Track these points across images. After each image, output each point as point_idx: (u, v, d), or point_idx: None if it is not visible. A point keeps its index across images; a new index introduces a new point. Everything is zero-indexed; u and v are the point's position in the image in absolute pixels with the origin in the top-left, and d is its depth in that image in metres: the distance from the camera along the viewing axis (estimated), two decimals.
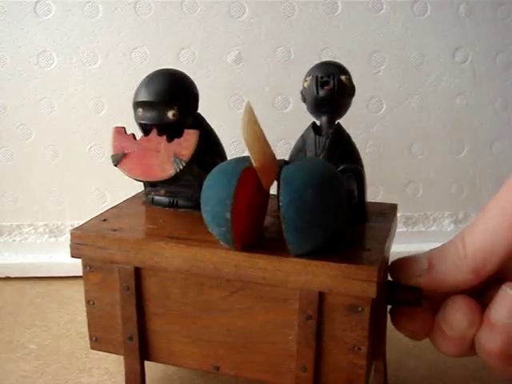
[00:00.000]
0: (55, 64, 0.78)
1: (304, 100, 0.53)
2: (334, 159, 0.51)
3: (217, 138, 0.57)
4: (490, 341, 0.42)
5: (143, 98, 0.51)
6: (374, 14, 0.79)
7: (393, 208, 0.57)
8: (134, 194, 0.61)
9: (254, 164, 0.42)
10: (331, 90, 0.50)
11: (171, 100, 0.51)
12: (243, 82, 0.80)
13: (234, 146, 0.81)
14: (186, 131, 0.51)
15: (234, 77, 0.80)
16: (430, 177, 0.86)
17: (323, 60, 0.54)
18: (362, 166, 0.52)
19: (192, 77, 0.77)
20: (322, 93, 0.50)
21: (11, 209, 0.82)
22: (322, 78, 0.50)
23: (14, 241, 0.83)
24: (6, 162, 0.81)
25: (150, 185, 0.56)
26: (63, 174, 0.81)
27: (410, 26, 0.80)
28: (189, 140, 0.51)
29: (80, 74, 0.78)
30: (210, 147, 0.55)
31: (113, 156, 0.53)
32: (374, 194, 0.84)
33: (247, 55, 0.79)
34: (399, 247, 0.78)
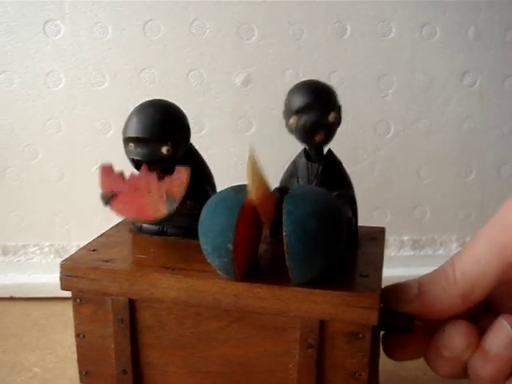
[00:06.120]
0: (63, 84, 0.78)
1: (291, 132, 0.51)
2: (326, 185, 0.50)
3: (206, 164, 0.56)
4: (482, 367, 0.43)
5: (135, 133, 0.49)
6: (382, 38, 0.79)
7: (381, 232, 0.57)
8: (119, 221, 0.59)
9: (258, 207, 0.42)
10: (323, 141, 0.50)
11: (165, 136, 0.49)
12: (251, 104, 0.80)
13: (242, 167, 0.80)
14: (178, 168, 0.49)
15: (242, 99, 0.80)
16: (437, 200, 0.85)
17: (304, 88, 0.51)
18: (353, 192, 0.52)
19: (200, 98, 0.79)
20: (314, 143, 0.50)
21: (17, 229, 0.83)
22: (311, 126, 0.49)
23: (19, 261, 0.83)
24: (12, 182, 0.81)
25: None
26: (69, 194, 0.82)
27: (419, 50, 0.79)
28: (180, 178, 0.49)
29: (88, 95, 0.79)
30: (200, 175, 0.54)
31: (102, 196, 0.51)
32: (382, 217, 0.84)
33: (256, 77, 0.79)
34: (406, 271, 0.78)
